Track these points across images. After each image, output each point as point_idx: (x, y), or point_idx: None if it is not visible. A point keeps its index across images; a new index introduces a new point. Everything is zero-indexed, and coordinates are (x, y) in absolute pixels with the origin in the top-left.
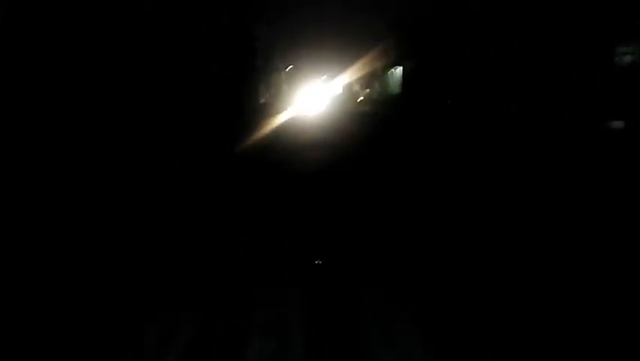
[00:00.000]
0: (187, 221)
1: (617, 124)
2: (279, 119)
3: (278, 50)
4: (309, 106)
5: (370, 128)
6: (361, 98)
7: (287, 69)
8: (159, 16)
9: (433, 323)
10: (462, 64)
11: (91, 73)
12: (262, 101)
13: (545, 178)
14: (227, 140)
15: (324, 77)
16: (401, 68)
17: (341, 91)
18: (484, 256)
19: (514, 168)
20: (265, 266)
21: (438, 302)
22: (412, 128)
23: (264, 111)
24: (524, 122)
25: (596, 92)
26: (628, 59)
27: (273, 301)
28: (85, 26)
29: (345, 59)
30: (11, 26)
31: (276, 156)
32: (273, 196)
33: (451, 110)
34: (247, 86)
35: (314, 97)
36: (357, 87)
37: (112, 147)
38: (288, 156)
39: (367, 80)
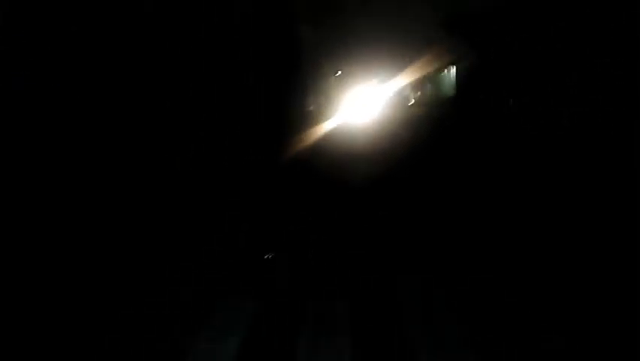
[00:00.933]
0: (225, 233)
1: None
2: (329, 127)
3: (326, 53)
4: (359, 112)
5: (423, 132)
6: (413, 101)
7: (336, 74)
8: (182, 15)
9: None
10: (521, 64)
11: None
12: (310, 107)
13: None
14: (272, 149)
15: (375, 80)
16: (454, 68)
17: (392, 95)
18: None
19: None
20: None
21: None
22: (468, 131)
23: (312, 118)
24: (591, 127)
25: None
26: None
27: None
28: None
29: (396, 60)
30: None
31: (326, 165)
32: (323, 207)
33: (512, 113)
34: (293, 93)
35: (364, 102)
36: (408, 90)
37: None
38: (339, 165)
39: (419, 83)
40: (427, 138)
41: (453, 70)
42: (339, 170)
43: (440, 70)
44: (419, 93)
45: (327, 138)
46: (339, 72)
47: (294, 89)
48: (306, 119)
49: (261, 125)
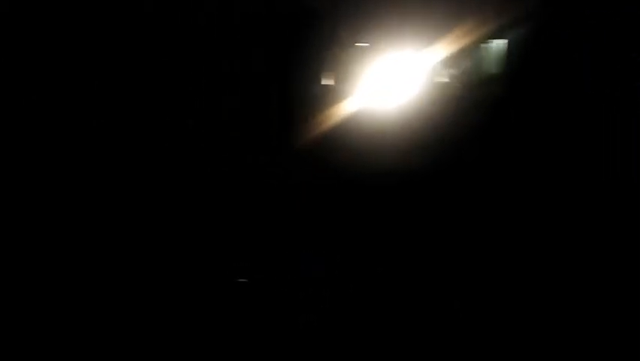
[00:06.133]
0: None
1: None
2: (346, 108)
3: (345, 19)
4: (384, 91)
5: (461, 117)
6: (446, 79)
7: (357, 44)
8: None
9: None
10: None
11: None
12: (324, 84)
13: None
14: (273, 136)
15: (404, 54)
16: (502, 41)
17: (424, 71)
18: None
19: None
20: None
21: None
22: (518, 117)
23: (326, 97)
24: None
25: None
26: None
27: None
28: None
29: (430, 30)
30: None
31: (342, 156)
32: (337, 208)
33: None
34: (301, 67)
35: (390, 79)
36: (442, 66)
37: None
38: (359, 155)
39: (456, 58)
40: (467, 124)
41: (499, 43)
42: (363, 161)
43: (484, 41)
44: (457, 69)
45: (346, 121)
46: (362, 43)
47: (305, 63)
48: (319, 98)
49: (266, 108)
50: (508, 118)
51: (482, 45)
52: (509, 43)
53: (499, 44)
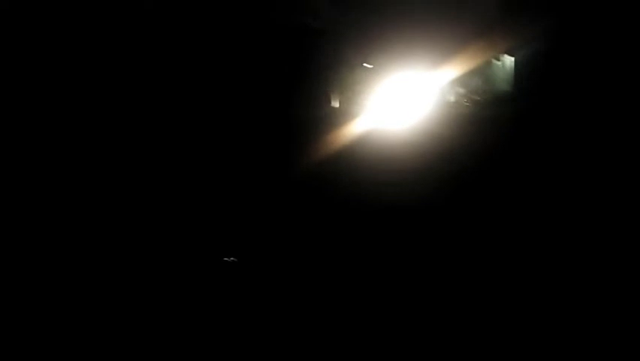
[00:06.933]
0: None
1: None
2: (353, 130)
3: (350, 38)
4: (392, 111)
5: (472, 136)
6: (456, 98)
7: (364, 64)
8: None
9: None
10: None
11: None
12: (330, 106)
13: None
14: (274, 161)
15: (412, 73)
16: (510, 58)
17: (433, 91)
18: None
19: None
20: None
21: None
22: (531, 135)
23: (332, 119)
24: None
25: None
26: None
27: None
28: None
29: (440, 49)
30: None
31: (349, 182)
32: (347, 239)
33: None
34: (306, 88)
35: (399, 100)
36: (451, 85)
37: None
38: (368, 181)
39: (466, 76)
40: (476, 143)
41: (509, 61)
42: (370, 184)
43: (493, 60)
44: (465, 89)
45: (352, 144)
46: (368, 63)
47: (311, 84)
48: (324, 120)
49: (271, 129)
50: (521, 136)
51: (491, 63)
52: (516, 60)
53: (507, 61)
